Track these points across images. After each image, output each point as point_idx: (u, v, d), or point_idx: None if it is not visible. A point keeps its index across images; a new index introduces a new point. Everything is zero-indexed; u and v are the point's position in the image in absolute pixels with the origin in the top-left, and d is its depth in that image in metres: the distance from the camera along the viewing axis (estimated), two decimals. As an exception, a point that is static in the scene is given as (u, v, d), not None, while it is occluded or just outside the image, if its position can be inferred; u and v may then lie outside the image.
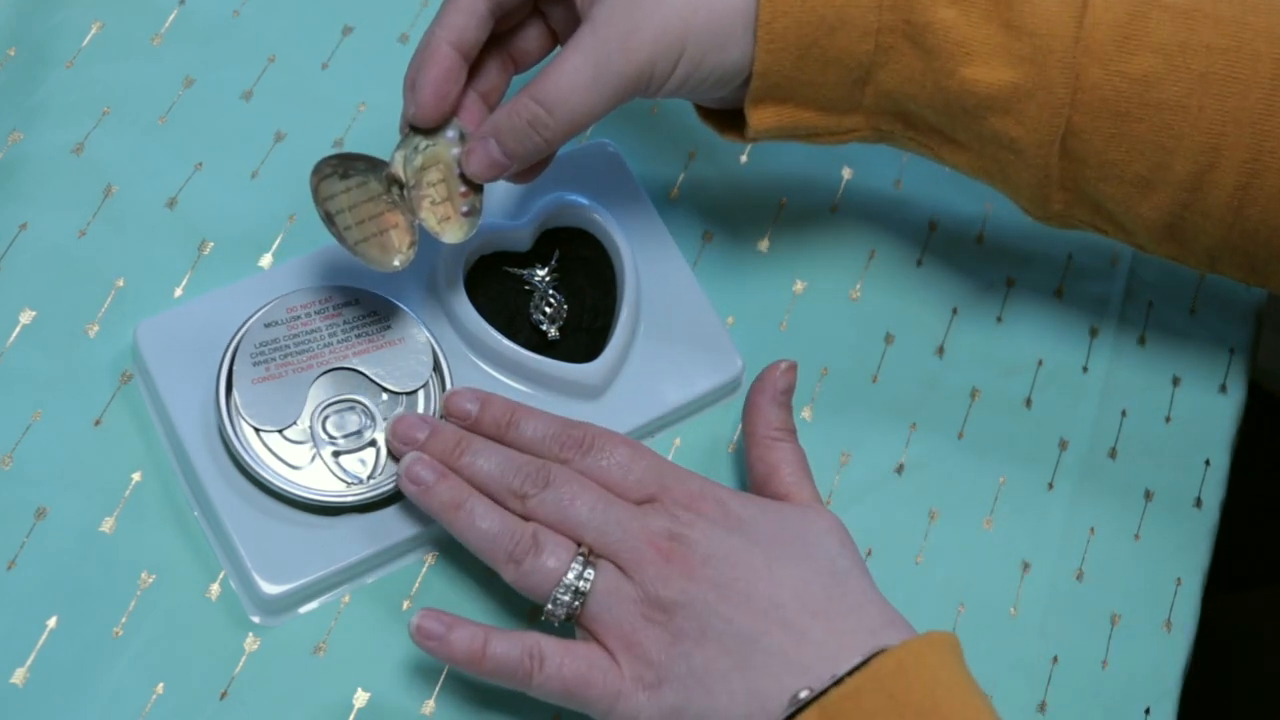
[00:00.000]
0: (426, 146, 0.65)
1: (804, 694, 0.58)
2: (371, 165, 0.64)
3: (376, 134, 0.75)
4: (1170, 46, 0.63)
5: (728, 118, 0.68)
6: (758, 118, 0.65)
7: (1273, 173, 0.64)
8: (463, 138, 0.65)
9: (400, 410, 0.67)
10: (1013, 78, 0.64)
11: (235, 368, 0.66)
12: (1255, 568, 1.07)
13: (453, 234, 0.65)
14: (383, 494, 0.66)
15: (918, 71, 0.64)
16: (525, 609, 0.68)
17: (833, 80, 0.65)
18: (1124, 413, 0.78)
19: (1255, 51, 0.63)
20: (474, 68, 0.66)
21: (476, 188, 0.65)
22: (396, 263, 0.64)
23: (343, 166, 0.64)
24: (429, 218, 0.65)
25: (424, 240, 0.65)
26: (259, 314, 0.67)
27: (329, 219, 0.63)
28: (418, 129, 0.64)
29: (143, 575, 0.66)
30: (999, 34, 0.63)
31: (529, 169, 0.66)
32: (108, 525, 0.66)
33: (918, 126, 0.67)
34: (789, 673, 0.60)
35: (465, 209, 0.65)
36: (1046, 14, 0.63)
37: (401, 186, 0.65)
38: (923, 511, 0.74)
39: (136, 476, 0.67)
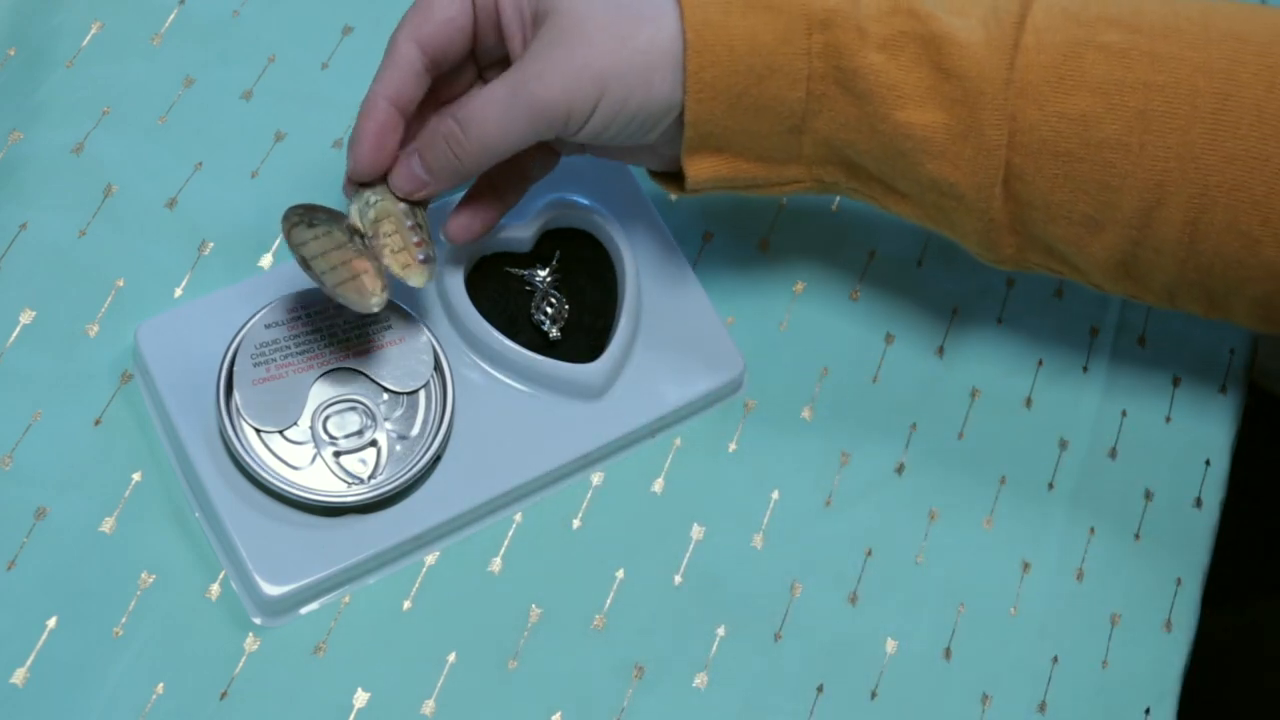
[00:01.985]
0: (376, 201, 0.65)
1: None
2: (332, 216, 0.65)
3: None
4: (1107, 85, 0.63)
5: (675, 176, 0.68)
6: (695, 168, 0.65)
7: (1221, 207, 0.63)
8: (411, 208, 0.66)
9: (401, 411, 0.67)
10: (945, 119, 0.63)
11: (236, 368, 0.66)
12: (1255, 568, 1.07)
13: (416, 279, 0.65)
14: (384, 494, 0.66)
15: (852, 117, 0.64)
16: (526, 609, 0.68)
17: (767, 129, 0.64)
18: (1124, 413, 0.78)
19: (1194, 87, 0.63)
20: (415, 123, 0.66)
21: (427, 237, 0.66)
22: (373, 304, 0.63)
23: (308, 216, 0.65)
24: (392, 264, 0.65)
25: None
26: (259, 314, 0.67)
27: (305, 264, 0.63)
28: (364, 184, 0.65)
29: (143, 575, 0.65)
30: (929, 77, 0.63)
31: (465, 222, 0.68)
32: (108, 525, 0.66)
33: (859, 176, 0.67)
34: None
35: (421, 257, 0.65)
36: (975, 57, 0.63)
37: (362, 236, 0.65)
38: (923, 511, 0.74)
39: (136, 476, 0.67)
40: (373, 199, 0.65)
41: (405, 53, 0.64)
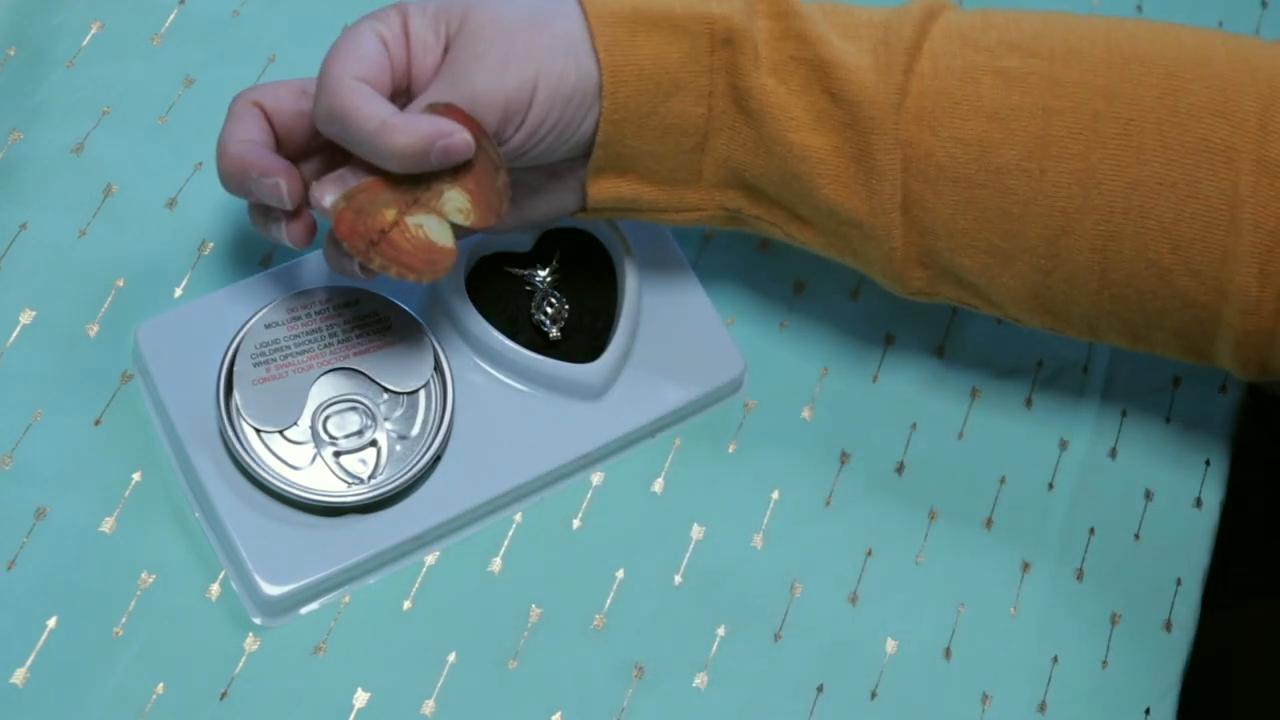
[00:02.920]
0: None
1: None
2: None
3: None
4: (1004, 110, 0.62)
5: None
6: (596, 189, 0.65)
7: (1128, 235, 0.62)
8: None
9: (401, 411, 0.67)
10: (836, 142, 0.63)
11: (236, 368, 0.66)
12: (1255, 568, 1.07)
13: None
14: (384, 494, 0.66)
15: (749, 138, 0.64)
16: (526, 609, 0.68)
17: (670, 149, 0.64)
18: (1124, 413, 0.78)
19: (1095, 111, 0.61)
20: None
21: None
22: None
23: None
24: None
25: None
26: (259, 314, 0.67)
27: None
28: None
29: (143, 575, 0.65)
30: (819, 100, 0.63)
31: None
32: (108, 525, 0.66)
33: (761, 202, 0.66)
34: None
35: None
36: (863, 82, 0.62)
37: None
38: (923, 511, 0.74)
39: (136, 476, 0.67)
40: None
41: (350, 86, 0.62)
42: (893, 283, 0.67)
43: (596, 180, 0.65)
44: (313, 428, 0.66)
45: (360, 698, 0.65)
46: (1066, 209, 0.62)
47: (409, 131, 0.59)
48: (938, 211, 0.64)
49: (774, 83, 0.63)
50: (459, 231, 0.62)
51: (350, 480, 0.66)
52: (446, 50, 0.63)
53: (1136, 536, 0.76)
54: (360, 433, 0.67)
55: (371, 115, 0.59)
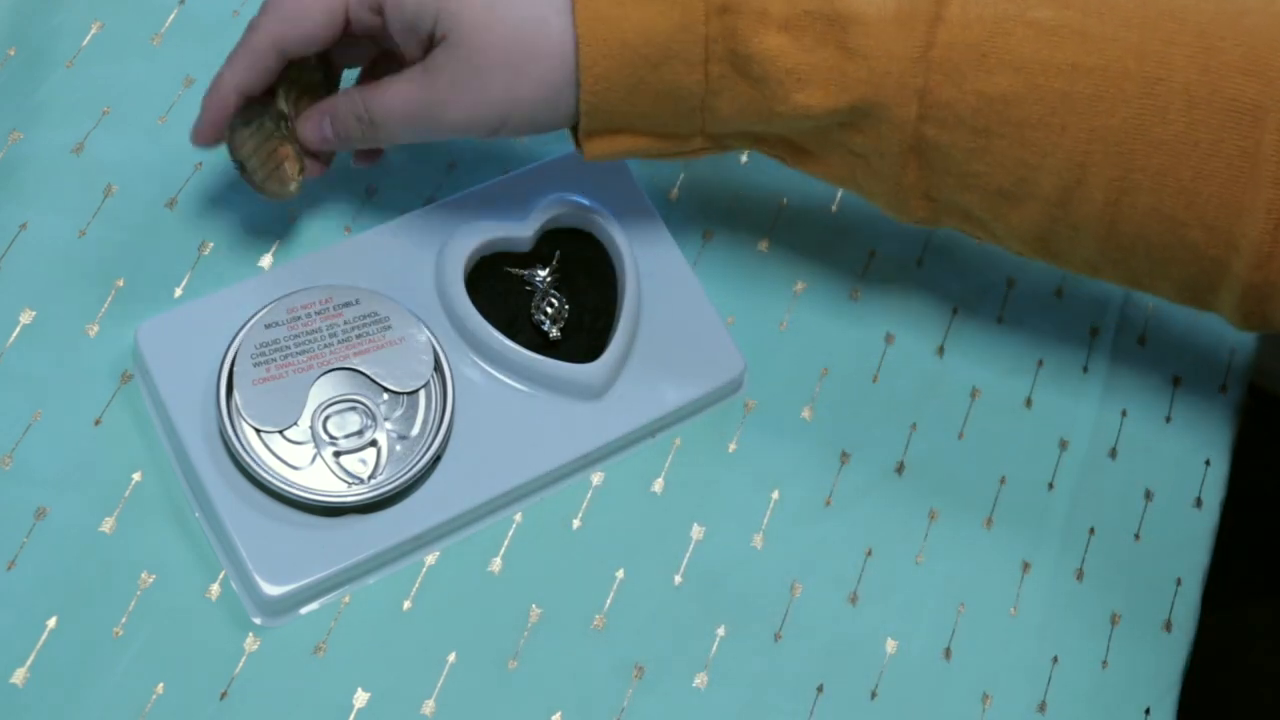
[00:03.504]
0: (297, 76, 0.68)
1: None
2: (265, 107, 0.68)
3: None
4: (1032, 65, 0.61)
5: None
6: (592, 148, 0.66)
7: (1145, 191, 0.62)
8: (326, 74, 0.70)
9: (401, 411, 0.67)
10: (850, 100, 0.62)
11: (236, 368, 0.66)
12: (1255, 568, 1.07)
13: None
14: (384, 494, 0.66)
15: (751, 100, 0.63)
16: (526, 609, 0.68)
17: (668, 111, 0.64)
18: (1124, 413, 0.78)
19: (1124, 70, 0.61)
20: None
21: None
22: (292, 188, 0.68)
23: (246, 114, 0.68)
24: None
25: (423, 239, 0.66)
26: (259, 315, 0.67)
27: (241, 168, 0.68)
28: (292, 63, 0.67)
29: (143, 575, 0.65)
30: (833, 57, 0.62)
31: (365, 155, 0.71)
32: (108, 525, 0.66)
33: (766, 140, 0.66)
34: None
35: None
36: (882, 35, 0.62)
37: (285, 119, 0.68)
38: (923, 511, 0.74)
39: (136, 476, 0.67)
40: (294, 76, 0.68)
41: (262, 51, 0.65)
42: (896, 212, 0.67)
43: (590, 141, 0.65)
44: (313, 428, 0.66)
45: (360, 698, 0.65)
46: (1084, 163, 0.62)
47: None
48: (951, 156, 0.63)
49: (785, 41, 0.62)
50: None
51: (350, 480, 0.66)
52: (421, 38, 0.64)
53: (1136, 536, 0.76)
54: (360, 433, 0.67)
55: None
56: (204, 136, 0.67)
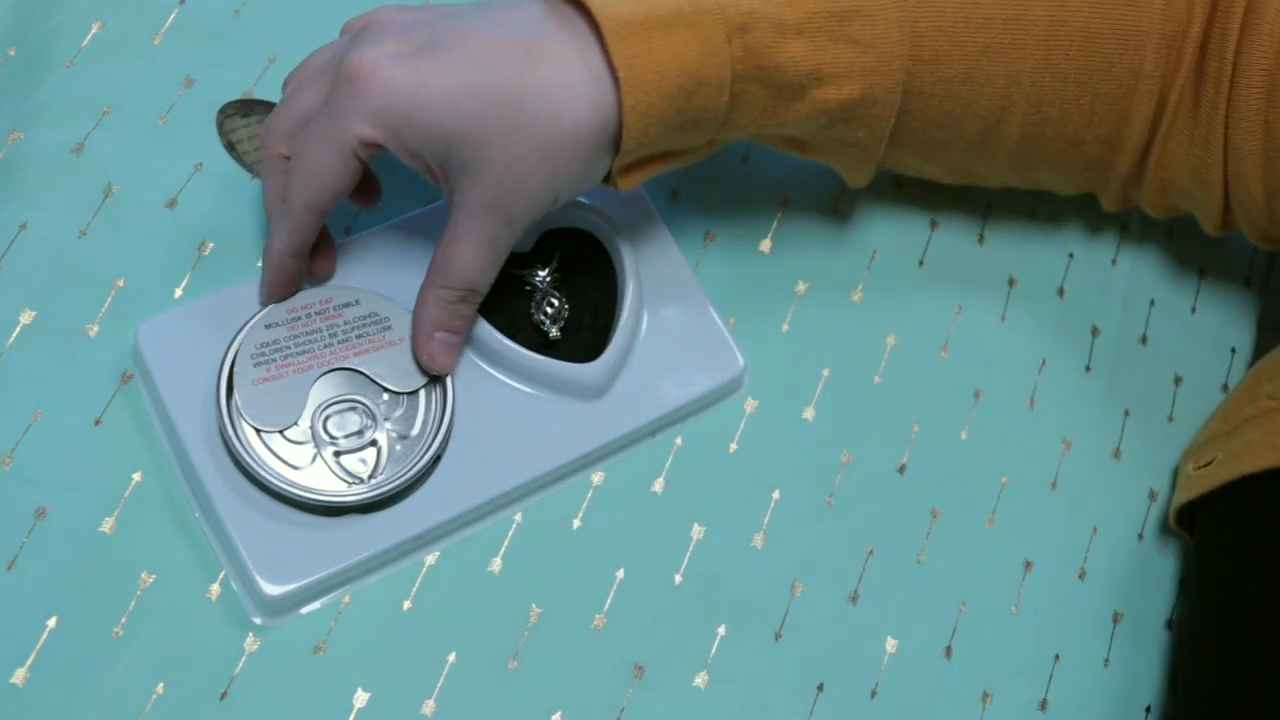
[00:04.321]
0: None
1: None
2: (268, 107, 0.72)
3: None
4: (956, 25, 0.67)
5: None
6: (627, 181, 0.66)
7: (1053, 120, 0.70)
8: None
9: (401, 411, 0.67)
10: (862, 90, 0.66)
11: (236, 368, 0.66)
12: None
13: None
14: (384, 494, 0.66)
15: (769, 105, 0.65)
16: (526, 609, 0.68)
17: (694, 132, 0.65)
18: (1127, 412, 0.78)
19: (1033, 18, 0.68)
20: None
21: None
22: None
23: (243, 109, 0.72)
24: None
25: (423, 239, 0.65)
26: (260, 315, 0.67)
27: (230, 146, 0.71)
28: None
29: (143, 575, 0.65)
30: (846, 52, 0.65)
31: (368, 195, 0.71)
32: (108, 525, 0.66)
33: (765, 136, 0.70)
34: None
35: None
36: (884, 24, 0.65)
37: None
38: (924, 511, 0.74)
39: (136, 476, 0.67)
40: None
41: (301, 216, 0.65)
42: (854, 181, 0.74)
43: (625, 176, 0.66)
44: (313, 428, 0.66)
45: (360, 698, 0.65)
46: (1004, 105, 0.70)
47: None
48: (897, 120, 0.69)
49: (802, 45, 0.64)
50: None
51: (350, 480, 0.66)
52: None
53: (1140, 536, 0.76)
54: (360, 433, 0.67)
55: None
56: (273, 298, 0.68)
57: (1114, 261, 0.81)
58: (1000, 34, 0.67)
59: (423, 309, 0.66)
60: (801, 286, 0.77)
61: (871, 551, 0.72)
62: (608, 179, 0.66)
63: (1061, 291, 0.80)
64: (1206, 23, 0.70)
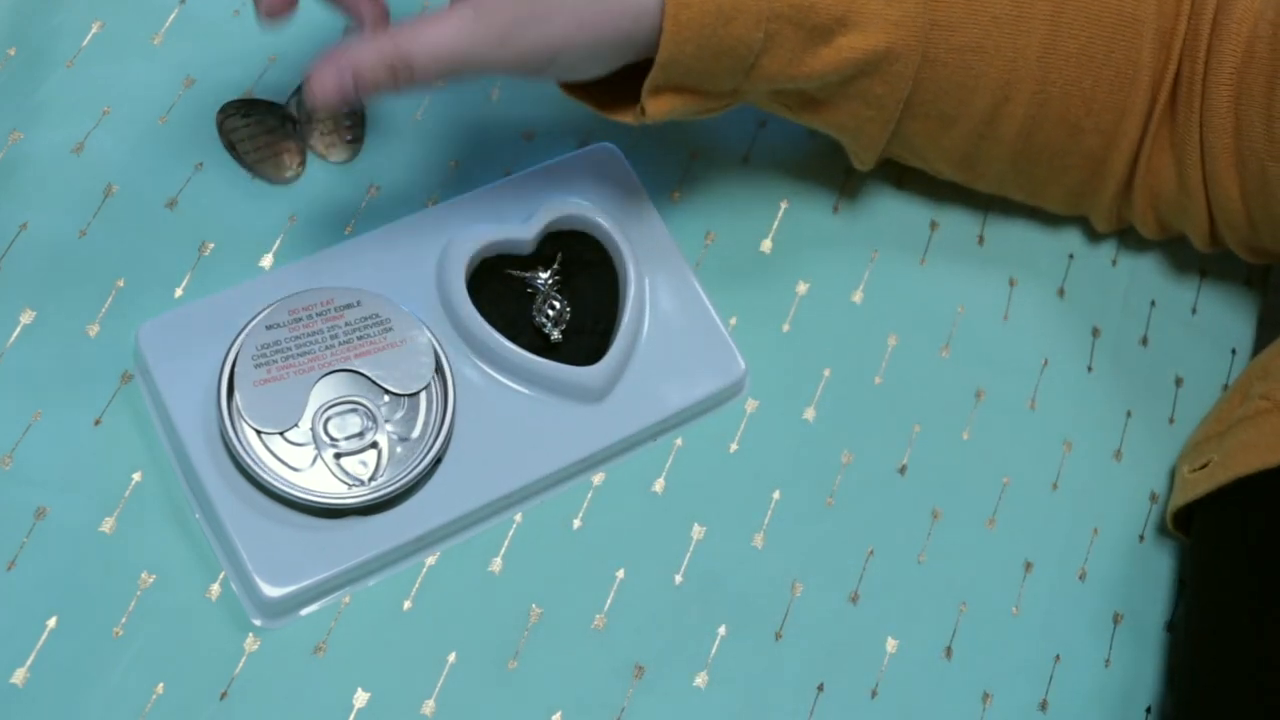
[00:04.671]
0: None
1: None
2: (269, 107, 0.74)
3: (380, 131, 0.75)
4: None
5: (589, 93, 0.68)
6: (654, 106, 0.66)
7: (1055, 101, 0.71)
8: None
9: (402, 413, 0.67)
10: (886, 43, 0.67)
11: (237, 369, 0.66)
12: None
13: (338, 155, 0.74)
14: (384, 496, 0.66)
15: (800, 50, 0.66)
16: (526, 609, 0.68)
17: (724, 69, 0.65)
18: (1128, 413, 0.78)
19: None
20: None
21: (360, 121, 0.75)
22: (287, 175, 0.73)
23: (244, 108, 0.73)
24: (318, 144, 0.74)
25: (424, 241, 0.66)
26: (261, 316, 0.67)
27: (230, 147, 0.73)
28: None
29: (143, 575, 0.65)
30: (873, 1, 0.66)
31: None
32: (108, 525, 0.66)
33: (785, 96, 0.70)
34: None
35: (349, 138, 0.75)
36: None
37: (295, 122, 0.74)
38: (925, 511, 0.74)
39: (136, 476, 0.67)
40: None
41: None
42: (865, 159, 0.74)
43: (654, 99, 0.66)
44: (313, 429, 0.66)
45: (360, 698, 0.65)
46: (1010, 80, 0.70)
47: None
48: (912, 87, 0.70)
49: None
50: None
51: (351, 482, 0.66)
52: None
53: (1140, 537, 0.76)
54: (361, 434, 0.67)
55: None
56: (274, 7, 0.63)
57: (1114, 262, 0.81)
58: (1009, 6, 0.69)
59: (357, 46, 0.62)
60: (802, 286, 0.77)
61: (872, 551, 0.72)
62: (629, 111, 0.67)
63: (1062, 292, 0.80)
64: (1188, 20, 0.71)
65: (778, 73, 0.66)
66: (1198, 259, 0.83)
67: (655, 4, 0.63)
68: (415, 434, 0.67)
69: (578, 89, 0.68)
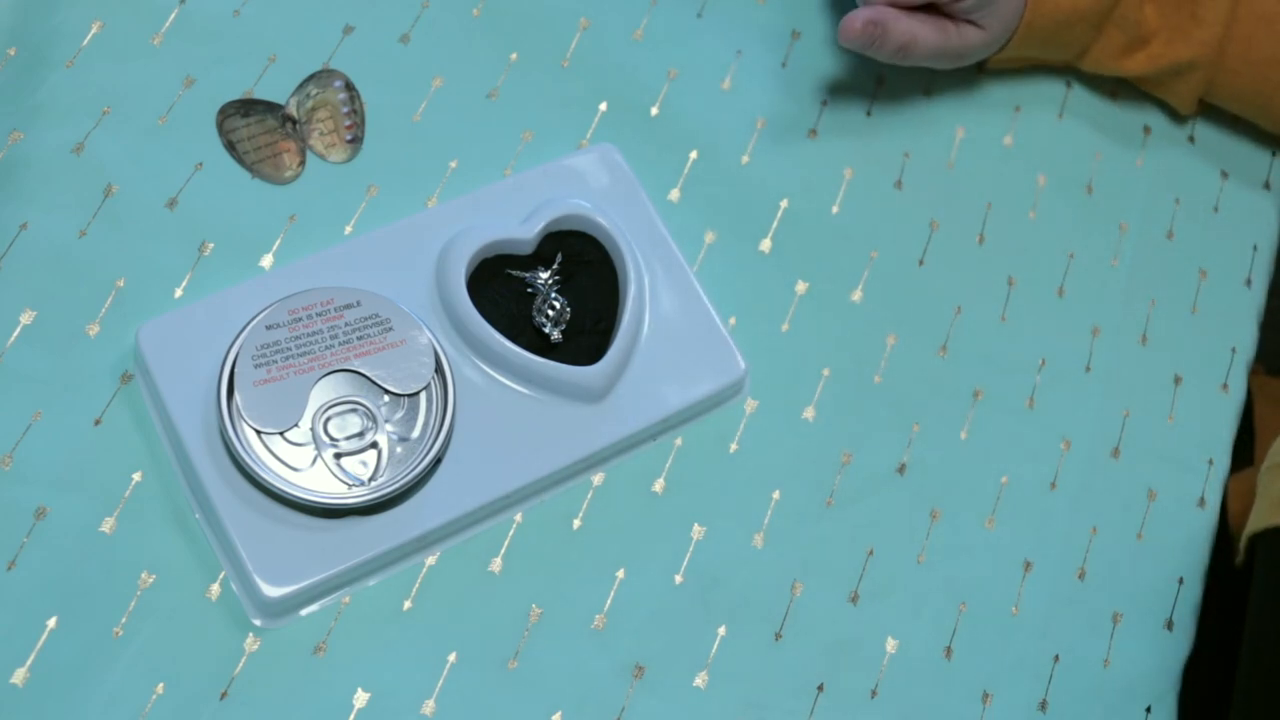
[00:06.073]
0: (316, 93, 0.75)
1: None
2: (269, 107, 0.75)
3: (380, 131, 0.75)
4: (1272, 14, 0.80)
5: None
6: (997, 61, 0.82)
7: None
8: (348, 86, 0.75)
9: (402, 413, 0.67)
10: (1190, 55, 0.80)
11: (237, 370, 0.66)
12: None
13: (337, 156, 0.75)
14: (384, 496, 0.65)
15: (1118, 51, 0.81)
16: (526, 609, 0.68)
17: (1053, 55, 0.82)
18: (1126, 412, 0.78)
19: None
20: None
21: (360, 121, 0.76)
22: (287, 175, 0.74)
23: (244, 108, 0.74)
24: (318, 144, 0.75)
25: (424, 241, 0.66)
26: (261, 316, 0.67)
27: (230, 146, 0.73)
28: (314, 77, 0.75)
29: (143, 575, 0.65)
30: (1185, 21, 0.79)
31: None
32: (108, 525, 0.66)
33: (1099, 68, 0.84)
34: None
35: (349, 138, 0.75)
36: (1218, 6, 0.79)
37: (295, 122, 0.74)
38: (925, 511, 0.74)
39: (136, 476, 0.67)
40: (314, 91, 0.75)
41: None
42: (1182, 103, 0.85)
43: (1000, 57, 0.81)
44: (313, 429, 0.66)
45: (360, 698, 0.65)
46: None
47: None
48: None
49: (1152, 9, 0.80)
50: None
51: (351, 482, 0.66)
52: None
53: (1139, 536, 0.76)
54: (361, 435, 0.67)
55: None
56: (857, 33, 0.75)
57: (1114, 261, 0.81)
58: None
59: (899, 16, 0.75)
60: (801, 286, 0.77)
61: (871, 551, 0.72)
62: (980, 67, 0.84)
63: (1061, 291, 0.80)
64: None
65: (1098, 67, 0.82)
66: (1197, 259, 0.83)
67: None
68: (415, 434, 0.67)
69: None
